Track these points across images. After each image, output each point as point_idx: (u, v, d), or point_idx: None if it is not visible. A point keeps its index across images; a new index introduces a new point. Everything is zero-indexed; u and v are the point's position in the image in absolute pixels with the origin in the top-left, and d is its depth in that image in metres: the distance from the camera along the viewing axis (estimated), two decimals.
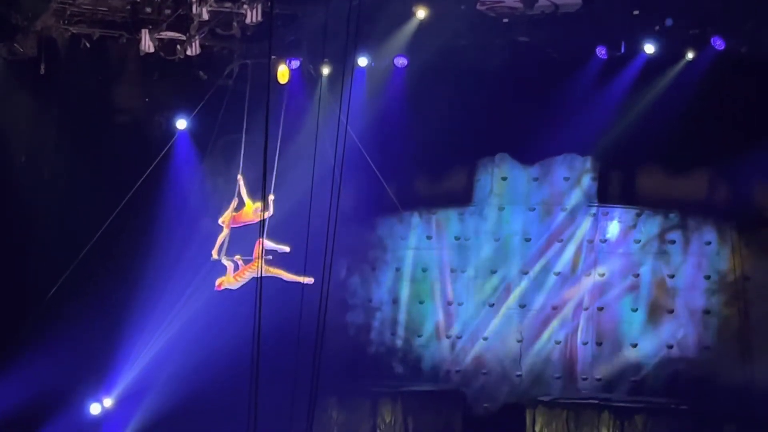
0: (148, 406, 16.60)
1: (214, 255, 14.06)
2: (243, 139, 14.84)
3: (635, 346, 16.97)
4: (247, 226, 14.13)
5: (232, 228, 14.10)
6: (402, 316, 18.01)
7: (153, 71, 17.16)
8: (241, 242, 14.03)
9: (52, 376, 15.70)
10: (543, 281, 17.44)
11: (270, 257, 13.41)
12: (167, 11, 15.57)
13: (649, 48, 16.19)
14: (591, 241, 17.35)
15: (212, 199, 16.66)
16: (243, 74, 16.59)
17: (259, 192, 12.94)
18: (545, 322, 17.38)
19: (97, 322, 16.40)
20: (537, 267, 17.49)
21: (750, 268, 16.66)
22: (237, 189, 14.29)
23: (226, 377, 15.38)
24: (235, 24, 15.77)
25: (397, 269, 18.08)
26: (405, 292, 18.02)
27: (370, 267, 18.19)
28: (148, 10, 15.65)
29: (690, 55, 16.26)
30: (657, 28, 16.03)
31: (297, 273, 13.22)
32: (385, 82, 17.17)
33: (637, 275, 17.12)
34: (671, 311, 16.90)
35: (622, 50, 16.44)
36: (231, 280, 13.91)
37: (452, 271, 17.88)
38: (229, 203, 14.36)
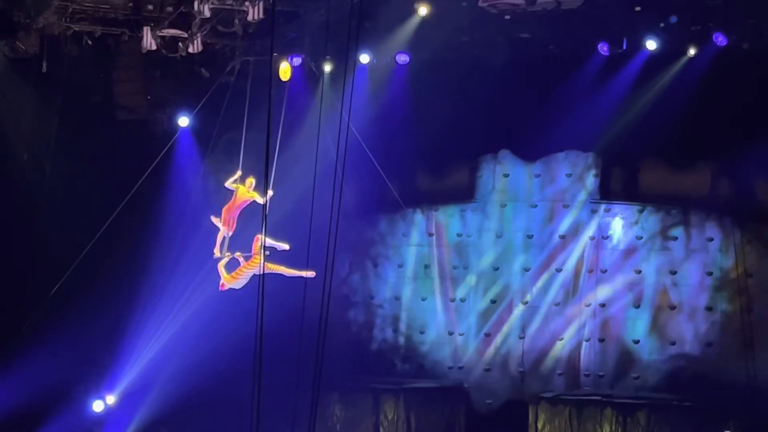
0: (151, 403, 16.62)
1: (216, 253, 14.02)
2: (244, 136, 14.80)
3: (637, 342, 16.97)
4: (247, 227, 14.04)
5: (234, 219, 13.98)
6: (404, 313, 18.05)
7: (155, 69, 17.20)
8: (240, 240, 14.01)
9: (55, 373, 15.72)
10: (545, 278, 17.46)
11: (267, 253, 13.34)
12: (169, 8, 15.59)
13: (651, 44, 16.16)
14: (593, 238, 17.35)
15: (214, 196, 16.64)
16: (245, 71, 16.60)
17: (261, 184, 12.92)
18: (547, 319, 17.40)
19: (100, 318, 16.40)
20: (539, 264, 17.51)
21: (752, 264, 16.66)
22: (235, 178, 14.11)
23: (228, 374, 15.35)
24: (236, 21, 15.75)
25: (399, 266, 18.10)
26: (407, 289, 18.05)
27: (372, 264, 18.21)
28: (150, 7, 15.65)
29: (692, 52, 16.24)
30: (662, 25, 16.01)
31: (298, 269, 13.22)
32: (387, 79, 17.17)
33: (640, 271, 17.12)
34: (673, 308, 16.90)
35: (624, 47, 16.43)
36: (230, 278, 13.84)
37: (454, 267, 17.90)
38: (230, 200, 14.30)
